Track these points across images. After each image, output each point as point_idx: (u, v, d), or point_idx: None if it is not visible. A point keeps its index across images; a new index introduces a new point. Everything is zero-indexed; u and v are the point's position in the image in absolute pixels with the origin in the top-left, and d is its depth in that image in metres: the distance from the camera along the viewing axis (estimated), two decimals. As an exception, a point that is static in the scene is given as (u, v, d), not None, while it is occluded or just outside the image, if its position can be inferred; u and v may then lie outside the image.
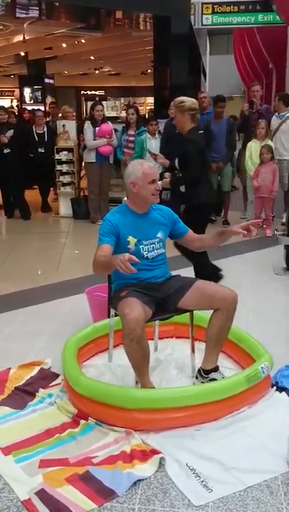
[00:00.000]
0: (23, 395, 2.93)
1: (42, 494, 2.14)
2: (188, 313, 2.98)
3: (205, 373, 2.90)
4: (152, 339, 3.36)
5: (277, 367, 3.00)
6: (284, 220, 6.36)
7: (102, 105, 7.53)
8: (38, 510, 2.06)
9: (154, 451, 2.36)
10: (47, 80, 17.78)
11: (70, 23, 10.93)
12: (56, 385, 3.03)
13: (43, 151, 8.11)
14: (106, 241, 2.79)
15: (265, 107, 7.66)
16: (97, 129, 7.20)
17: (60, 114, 9.39)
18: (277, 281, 4.93)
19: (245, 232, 2.79)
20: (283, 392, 2.85)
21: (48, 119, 10.02)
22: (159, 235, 2.96)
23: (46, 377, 3.11)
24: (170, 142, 6.56)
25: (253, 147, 6.71)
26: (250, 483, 2.20)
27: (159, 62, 10.10)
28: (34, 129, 8.25)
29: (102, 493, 2.15)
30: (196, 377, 2.96)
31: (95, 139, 7.20)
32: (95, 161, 7.28)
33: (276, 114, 7.10)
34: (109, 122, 7.51)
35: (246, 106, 7.61)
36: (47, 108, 14.35)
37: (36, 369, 3.19)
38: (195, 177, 4.13)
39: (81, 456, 2.39)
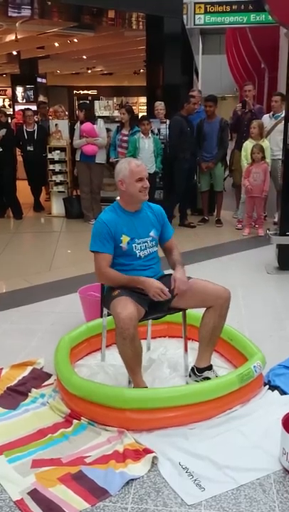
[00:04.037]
0: (15, 395, 2.92)
1: (34, 494, 2.13)
2: (181, 313, 2.98)
3: (198, 372, 2.90)
4: (145, 338, 3.36)
5: (269, 365, 3.01)
6: (276, 219, 6.39)
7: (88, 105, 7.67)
8: (30, 510, 2.05)
9: (147, 451, 2.36)
10: (39, 79, 17.69)
11: (63, 22, 10.88)
12: (49, 384, 3.02)
13: (31, 149, 8.12)
14: (106, 250, 2.83)
15: (258, 106, 7.67)
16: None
17: (50, 115, 9.38)
18: (269, 280, 4.94)
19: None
20: (275, 391, 2.86)
21: (37, 118, 10.01)
22: (152, 233, 2.95)
23: (39, 377, 3.10)
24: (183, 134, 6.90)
25: (249, 147, 6.72)
26: (242, 481, 2.21)
27: (152, 62, 10.07)
28: (24, 128, 8.24)
29: (94, 492, 2.15)
30: (190, 376, 2.97)
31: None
32: (79, 159, 7.44)
33: (270, 114, 7.11)
34: (101, 121, 7.53)
35: (239, 106, 7.62)
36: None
37: (28, 369, 3.18)
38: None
39: (74, 455, 2.39)
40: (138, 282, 2.78)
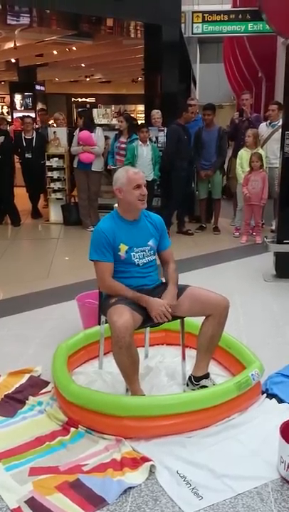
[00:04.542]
0: (12, 403, 2.91)
1: (32, 502, 2.13)
2: (179, 320, 2.98)
3: (196, 380, 2.90)
4: (143, 346, 3.36)
5: (267, 373, 3.01)
6: (273, 227, 6.41)
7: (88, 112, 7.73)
8: (27, 519, 2.04)
9: (145, 459, 2.36)
10: (38, 87, 17.77)
11: (61, 31, 10.94)
12: (46, 392, 3.01)
13: (30, 156, 8.16)
14: (106, 258, 2.83)
15: (255, 115, 7.72)
16: None
17: (51, 121, 9.40)
18: (266, 288, 4.95)
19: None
20: (273, 399, 2.86)
21: (37, 125, 10.05)
22: (150, 242, 2.96)
23: (36, 385, 3.09)
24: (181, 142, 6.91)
25: (244, 155, 6.76)
26: (240, 490, 2.20)
27: (150, 70, 10.14)
28: (23, 135, 8.28)
29: (92, 500, 2.14)
30: (187, 385, 2.96)
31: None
32: (76, 166, 7.50)
33: (266, 122, 7.15)
34: (99, 129, 7.57)
35: (236, 114, 7.66)
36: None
37: (26, 376, 3.17)
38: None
39: (71, 463, 2.38)
40: (142, 301, 2.78)
